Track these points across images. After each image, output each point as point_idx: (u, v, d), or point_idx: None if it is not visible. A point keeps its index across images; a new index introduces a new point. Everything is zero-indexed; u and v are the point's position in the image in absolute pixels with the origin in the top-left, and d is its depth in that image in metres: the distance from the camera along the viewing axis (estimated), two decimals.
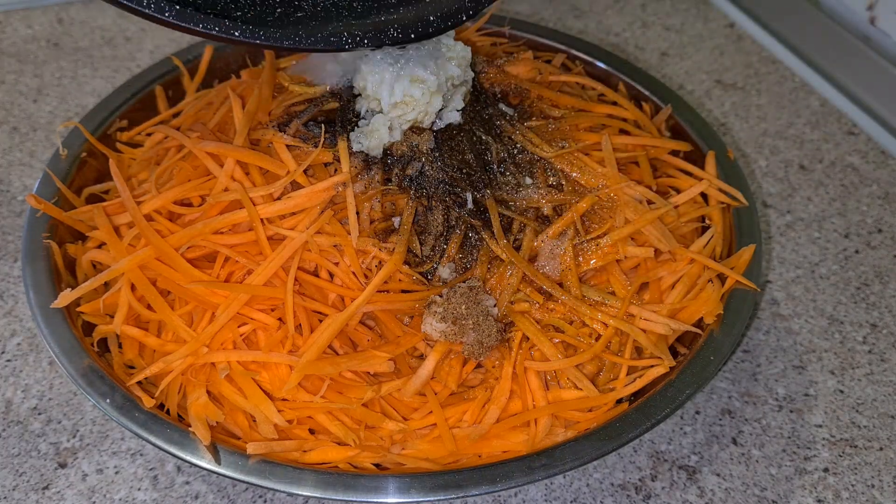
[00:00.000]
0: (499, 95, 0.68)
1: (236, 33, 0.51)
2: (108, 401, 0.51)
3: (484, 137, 0.63)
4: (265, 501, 0.56)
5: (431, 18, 0.57)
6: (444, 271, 0.58)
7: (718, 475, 0.58)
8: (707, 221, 0.65)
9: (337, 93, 0.64)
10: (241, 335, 0.54)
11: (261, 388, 0.53)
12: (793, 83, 0.94)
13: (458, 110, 0.62)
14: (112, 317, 0.56)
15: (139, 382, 0.53)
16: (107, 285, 0.57)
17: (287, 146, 0.59)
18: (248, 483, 0.49)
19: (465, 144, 0.61)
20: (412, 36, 0.57)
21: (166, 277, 0.55)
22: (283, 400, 0.53)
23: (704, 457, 0.59)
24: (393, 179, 0.59)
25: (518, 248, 0.58)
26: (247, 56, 0.77)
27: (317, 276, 0.57)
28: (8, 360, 0.63)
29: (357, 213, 0.56)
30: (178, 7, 0.49)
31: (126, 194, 0.56)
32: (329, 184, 0.57)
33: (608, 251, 0.59)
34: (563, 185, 0.62)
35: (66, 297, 0.55)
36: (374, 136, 0.59)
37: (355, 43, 0.55)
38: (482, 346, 0.54)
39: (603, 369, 0.57)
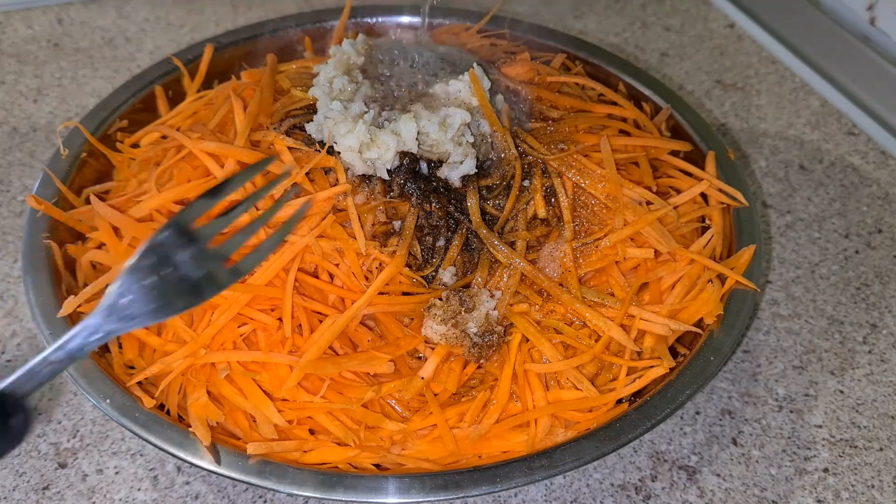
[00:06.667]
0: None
1: None
2: (108, 401, 0.51)
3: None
4: (265, 501, 0.56)
5: None
6: (446, 275, 0.58)
7: (718, 475, 0.58)
8: (707, 222, 0.65)
9: None
10: (241, 335, 0.54)
11: (261, 389, 0.53)
12: (793, 83, 0.94)
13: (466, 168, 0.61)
14: None
15: (139, 382, 0.53)
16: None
17: (289, 148, 0.59)
18: (248, 483, 0.49)
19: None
20: None
21: None
22: (283, 400, 0.53)
23: (704, 457, 0.59)
24: (394, 188, 0.59)
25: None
26: (242, 63, 0.77)
27: (317, 277, 0.57)
28: (8, 360, 0.63)
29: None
30: None
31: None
32: (329, 194, 0.57)
33: (608, 253, 0.58)
34: (562, 187, 0.62)
35: (70, 305, 0.55)
36: (373, 150, 0.59)
37: None
38: (482, 348, 0.54)
39: (602, 370, 0.57)
